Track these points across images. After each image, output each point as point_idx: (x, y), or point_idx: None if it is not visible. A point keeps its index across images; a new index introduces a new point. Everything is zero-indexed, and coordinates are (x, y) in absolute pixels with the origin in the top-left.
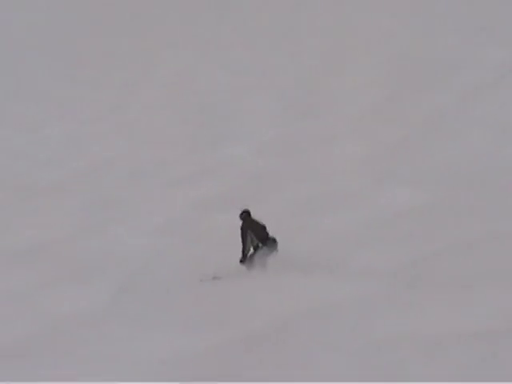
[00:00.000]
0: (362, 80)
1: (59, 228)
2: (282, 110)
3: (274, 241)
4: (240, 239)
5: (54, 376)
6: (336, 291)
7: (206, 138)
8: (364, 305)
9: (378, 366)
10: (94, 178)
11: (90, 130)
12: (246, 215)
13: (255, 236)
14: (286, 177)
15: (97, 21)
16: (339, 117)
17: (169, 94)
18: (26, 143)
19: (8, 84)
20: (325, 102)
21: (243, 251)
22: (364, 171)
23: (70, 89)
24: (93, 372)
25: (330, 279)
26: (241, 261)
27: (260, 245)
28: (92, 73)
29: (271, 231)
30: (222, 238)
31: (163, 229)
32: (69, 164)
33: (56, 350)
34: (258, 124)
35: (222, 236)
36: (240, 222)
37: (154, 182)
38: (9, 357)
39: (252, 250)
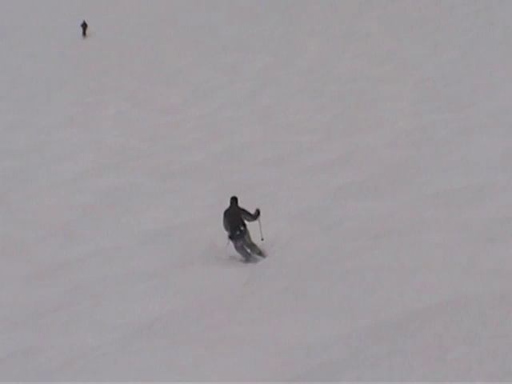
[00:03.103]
0: (503, 73)
1: (194, 210)
2: (419, 100)
3: (241, 233)
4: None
5: (185, 357)
6: (468, 285)
7: (342, 126)
8: (499, 300)
9: (510, 361)
10: (229, 163)
11: (226, 114)
12: (231, 201)
13: (228, 222)
14: (421, 168)
15: (240, 7)
16: (479, 109)
17: (307, 81)
18: (164, 125)
19: (146, 67)
20: (464, 95)
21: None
22: (504, 165)
23: (209, 73)
24: (221, 355)
25: (463, 275)
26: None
27: (230, 233)
28: (231, 58)
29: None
30: (355, 228)
31: (297, 215)
32: (204, 148)
33: (189, 331)
34: (395, 114)
35: (356, 225)
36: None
37: (289, 169)
38: (144, 336)
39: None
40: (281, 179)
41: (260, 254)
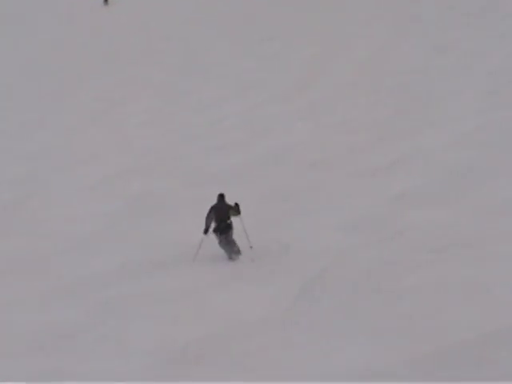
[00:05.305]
0: None
1: (232, 221)
2: (486, 95)
3: (227, 226)
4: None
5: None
6: None
7: (399, 125)
8: None
9: None
10: (272, 166)
11: (269, 111)
12: (219, 197)
13: (215, 216)
14: (488, 172)
15: None
16: None
17: (360, 74)
18: (198, 124)
19: (179, 57)
20: None
21: (205, 225)
22: None
23: (249, 65)
24: (266, 379)
25: None
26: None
27: (216, 225)
28: (274, 47)
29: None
30: (416, 239)
31: (351, 225)
32: (245, 149)
33: (228, 356)
34: (460, 110)
35: (417, 236)
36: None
37: (340, 172)
38: (177, 362)
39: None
40: (331, 184)
41: (238, 252)
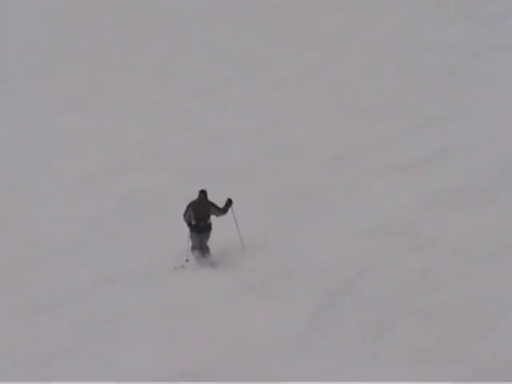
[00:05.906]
0: None
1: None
2: None
3: (206, 226)
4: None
5: None
6: None
7: (433, 112)
8: None
9: None
10: (284, 161)
11: (281, 96)
12: (200, 193)
13: (193, 214)
14: None
15: None
16: None
17: (389, 52)
18: (198, 111)
19: (175, 33)
20: None
21: (186, 222)
22: None
23: (256, 41)
24: None
25: None
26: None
27: (193, 223)
28: (285, 20)
29: None
30: (453, 247)
31: (377, 231)
32: (252, 141)
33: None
34: (503, 97)
35: (454, 244)
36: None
37: (364, 168)
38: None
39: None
40: (352, 182)
41: (210, 259)
